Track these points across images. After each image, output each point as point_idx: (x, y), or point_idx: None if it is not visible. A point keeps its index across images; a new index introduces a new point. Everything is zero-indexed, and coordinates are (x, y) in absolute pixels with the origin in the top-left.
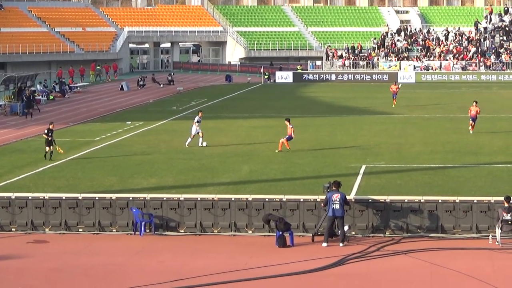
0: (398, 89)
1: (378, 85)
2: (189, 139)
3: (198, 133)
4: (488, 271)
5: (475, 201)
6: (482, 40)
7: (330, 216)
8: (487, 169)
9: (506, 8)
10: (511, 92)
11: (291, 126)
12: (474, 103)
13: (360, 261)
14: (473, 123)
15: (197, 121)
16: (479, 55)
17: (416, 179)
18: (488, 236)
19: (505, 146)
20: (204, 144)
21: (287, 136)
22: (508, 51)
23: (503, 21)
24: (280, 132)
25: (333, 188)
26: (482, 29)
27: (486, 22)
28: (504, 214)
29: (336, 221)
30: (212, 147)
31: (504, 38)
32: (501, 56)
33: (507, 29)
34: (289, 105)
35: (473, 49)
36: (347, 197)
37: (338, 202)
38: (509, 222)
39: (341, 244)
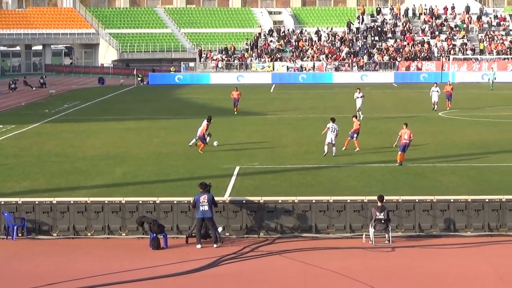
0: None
1: (252, 86)
2: (194, 140)
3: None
4: (362, 270)
5: (348, 201)
6: (354, 40)
7: (199, 217)
8: (361, 168)
9: (378, 9)
10: (384, 92)
11: None
12: (404, 125)
13: (234, 262)
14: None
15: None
16: (352, 56)
17: (290, 180)
18: (362, 235)
19: (378, 145)
20: (215, 143)
21: None
22: (380, 51)
23: (375, 21)
24: (153, 134)
25: (201, 189)
26: (354, 30)
27: (359, 23)
28: (377, 213)
29: (206, 222)
30: (85, 149)
31: (376, 38)
32: (373, 56)
33: (379, 29)
34: (162, 107)
35: (346, 50)
36: (222, 198)
37: (206, 203)
38: (382, 221)
39: (215, 245)
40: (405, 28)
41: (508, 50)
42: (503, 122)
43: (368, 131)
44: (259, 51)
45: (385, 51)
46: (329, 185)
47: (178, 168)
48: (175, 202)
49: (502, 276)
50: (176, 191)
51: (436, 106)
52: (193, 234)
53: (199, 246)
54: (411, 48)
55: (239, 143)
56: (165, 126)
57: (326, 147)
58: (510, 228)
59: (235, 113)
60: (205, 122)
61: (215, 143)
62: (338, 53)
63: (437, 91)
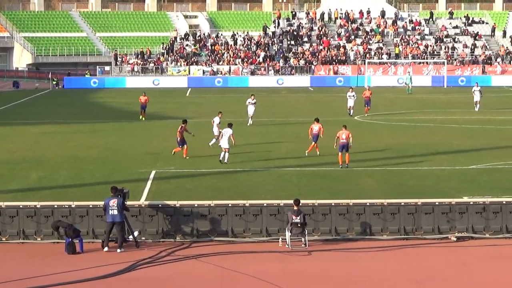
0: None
1: (168, 90)
2: (214, 140)
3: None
4: (279, 273)
5: (264, 205)
6: (270, 44)
7: (109, 221)
8: (277, 172)
9: (294, 13)
10: (299, 96)
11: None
12: (343, 127)
13: (151, 266)
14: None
15: (218, 123)
16: (268, 60)
17: (205, 184)
18: (278, 239)
19: (293, 149)
20: (211, 144)
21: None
22: (296, 56)
23: (291, 25)
24: (68, 138)
25: (111, 193)
26: (270, 34)
27: (275, 27)
28: (294, 217)
29: (115, 227)
30: (0, 154)
31: (292, 42)
32: (289, 60)
33: (295, 33)
34: (77, 111)
35: (262, 54)
36: (138, 202)
37: (116, 208)
38: (298, 225)
39: (118, 250)
40: (321, 32)
41: (423, 54)
42: (418, 126)
43: (284, 135)
44: (175, 55)
45: (301, 55)
46: (245, 189)
47: (94, 172)
48: (90, 206)
49: (418, 279)
50: (92, 196)
51: (352, 111)
52: (110, 239)
53: (106, 249)
54: (327, 52)
55: (155, 147)
56: (80, 130)
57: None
58: (425, 231)
59: (142, 118)
60: (180, 126)
61: (210, 144)
62: (254, 57)
63: (353, 96)
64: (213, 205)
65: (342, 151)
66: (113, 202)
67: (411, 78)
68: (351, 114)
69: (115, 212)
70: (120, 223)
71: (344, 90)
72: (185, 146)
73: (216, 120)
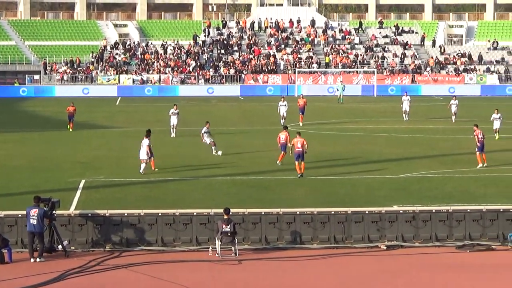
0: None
1: (97, 99)
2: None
3: (209, 143)
4: (209, 283)
5: (194, 214)
6: (200, 53)
7: (28, 231)
8: (206, 181)
9: (224, 22)
10: (230, 105)
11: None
12: (297, 134)
13: (80, 276)
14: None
15: (205, 132)
16: (198, 69)
17: (135, 193)
18: (208, 248)
19: (223, 158)
20: (219, 153)
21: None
22: (226, 65)
23: (221, 34)
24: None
25: (34, 202)
26: (200, 43)
27: (205, 36)
28: (224, 226)
29: (36, 236)
30: None
31: (223, 51)
32: (219, 70)
33: (225, 42)
34: (6, 120)
35: (192, 63)
36: (67, 211)
37: (36, 218)
38: (229, 234)
39: (38, 259)
40: (251, 42)
41: (353, 63)
42: (349, 135)
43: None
44: (104, 64)
45: (231, 64)
46: (175, 198)
47: (23, 182)
48: (19, 216)
49: (348, 287)
50: (21, 205)
51: (284, 121)
52: (37, 248)
53: (32, 260)
54: (257, 61)
55: (85, 157)
56: (9, 139)
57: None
58: (355, 240)
59: (69, 129)
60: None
61: (219, 153)
62: (184, 66)
63: (285, 105)
64: (142, 214)
65: (298, 160)
66: (34, 212)
67: (343, 88)
68: (283, 123)
69: (35, 222)
70: (40, 233)
71: (274, 99)
72: (152, 158)
73: (203, 129)
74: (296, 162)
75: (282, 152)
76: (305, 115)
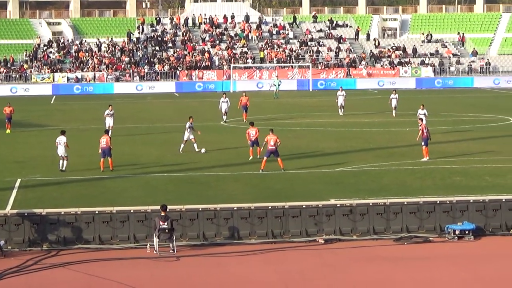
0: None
1: (32, 97)
2: (182, 145)
3: (191, 139)
4: (147, 280)
5: (131, 211)
6: (135, 50)
7: None
8: (144, 178)
9: (158, 18)
10: (165, 101)
11: None
12: (270, 131)
13: (18, 276)
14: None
15: (189, 127)
16: (133, 66)
17: (72, 191)
18: (146, 245)
19: (160, 155)
20: (203, 150)
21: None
22: (161, 61)
23: (156, 31)
24: None
25: None
26: (135, 40)
27: (139, 33)
28: (161, 223)
29: None
30: None
31: (157, 48)
32: (154, 66)
33: (159, 39)
34: None
35: (127, 60)
36: (3, 211)
37: None
38: (166, 231)
39: None
40: (186, 38)
41: (288, 58)
42: (285, 130)
43: (150, 140)
44: (38, 62)
45: (166, 60)
46: (112, 196)
47: None
48: None
49: (287, 282)
50: None
51: (225, 117)
52: None
53: None
54: (192, 57)
55: (21, 156)
56: None
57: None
58: (293, 234)
59: (8, 131)
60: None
61: (203, 150)
62: (118, 63)
63: (226, 101)
64: (79, 212)
65: (269, 156)
66: None
67: (279, 83)
68: (225, 120)
69: None
70: None
71: (209, 95)
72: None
73: (187, 124)
74: (266, 158)
75: (251, 148)
76: (239, 110)
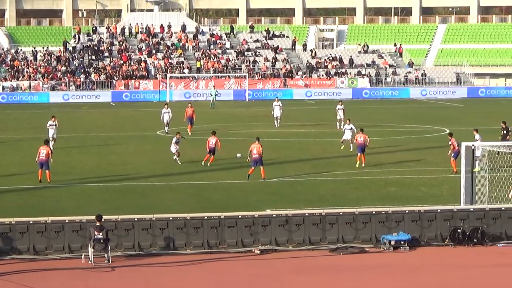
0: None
1: None
2: (176, 158)
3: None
4: None
5: (67, 221)
6: (71, 59)
7: None
8: (80, 188)
9: (94, 28)
10: (101, 111)
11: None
12: (256, 140)
13: None
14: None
15: (175, 142)
16: (69, 75)
17: (8, 201)
18: (81, 255)
19: (96, 164)
20: (238, 155)
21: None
22: (97, 71)
23: (92, 40)
24: None
25: None
26: (71, 49)
27: (75, 42)
28: (96, 233)
29: None
30: None
31: (93, 57)
32: (90, 75)
33: (95, 48)
34: None
35: (63, 69)
36: None
37: None
38: (101, 241)
39: None
40: (122, 47)
41: (225, 68)
42: (221, 140)
43: (86, 150)
44: None
45: (102, 70)
46: (49, 206)
47: None
48: None
49: None
50: None
51: (166, 128)
52: None
53: None
54: (128, 67)
55: None
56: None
57: None
58: (229, 245)
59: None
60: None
61: (238, 155)
62: (54, 72)
63: (168, 112)
64: (13, 222)
65: (256, 166)
66: None
67: (216, 93)
68: (167, 131)
69: None
70: None
71: (145, 105)
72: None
73: (174, 139)
74: (253, 168)
75: (208, 155)
76: (176, 121)
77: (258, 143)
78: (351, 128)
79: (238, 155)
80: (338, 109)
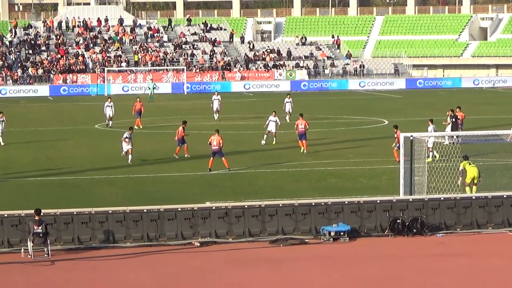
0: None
1: None
2: (130, 156)
3: (127, 150)
4: (22, 285)
5: (5, 215)
6: (8, 54)
7: None
8: (17, 183)
9: (30, 22)
10: (39, 105)
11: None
12: (216, 132)
13: None
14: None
15: (126, 137)
16: (6, 69)
17: None
18: (20, 249)
19: (34, 159)
20: (263, 142)
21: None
22: (34, 65)
23: (29, 34)
24: None
25: None
26: (7, 43)
27: (11, 36)
28: (35, 227)
29: None
30: None
31: (30, 51)
32: (27, 70)
33: (32, 42)
34: None
35: (0, 63)
36: None
37: None
38: (40, 235)
39: None
40: (59, 41)
41: (163, 61)
42: (160, 133)
43: (23, 145)
44: None
45: (39, 64)
46: None
47: None
48: None
49: (163, 285)
50: None
51: (110, 122)
52: None
53: None
54: (66, 60)
55: None
56: None
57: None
58: (169, 237)
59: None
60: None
61: (263, 142)
62: None
63: (111, 106)
64: None
65: (214, 156)
66: None
67: (154, 86)
68: (110, 125)
69: None
70: None
71: (83, 98)
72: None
73: (125, 134)
74: (212, 158)
75: (179, 146)
76: (116, 115)
77: (218, 135)
78: (275, 121)
79: (263, 142)
80: (286, 102)
